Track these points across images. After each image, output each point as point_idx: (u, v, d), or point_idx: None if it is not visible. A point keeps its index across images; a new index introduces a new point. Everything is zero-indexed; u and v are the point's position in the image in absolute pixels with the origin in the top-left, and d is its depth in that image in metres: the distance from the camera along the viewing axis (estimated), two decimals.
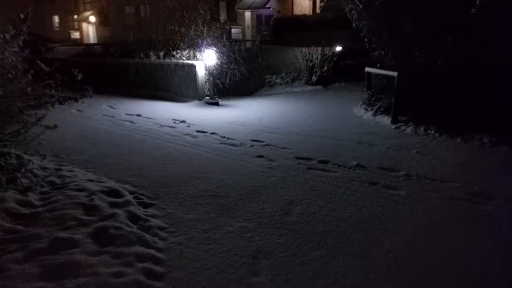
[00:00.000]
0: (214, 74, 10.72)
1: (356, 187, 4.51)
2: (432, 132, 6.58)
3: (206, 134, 6.93)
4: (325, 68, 12.99)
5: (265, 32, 25.25)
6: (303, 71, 13.48)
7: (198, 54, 9.98)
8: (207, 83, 10.72)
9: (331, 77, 12.98)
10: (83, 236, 3.25)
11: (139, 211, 3.99)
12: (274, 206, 4.09)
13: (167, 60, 10.64)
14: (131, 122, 7.81)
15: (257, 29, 28.07)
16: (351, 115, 8.38)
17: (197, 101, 9.68)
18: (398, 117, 7.26)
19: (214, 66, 10.82)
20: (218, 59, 10.82)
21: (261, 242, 3.39)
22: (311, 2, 24.52)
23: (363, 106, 8.52)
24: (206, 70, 9.63)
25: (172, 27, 12.75)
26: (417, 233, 3.50)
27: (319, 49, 13.06)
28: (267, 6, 26.95)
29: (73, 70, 5.24)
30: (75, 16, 43.97)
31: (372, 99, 8.30)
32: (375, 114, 7.92)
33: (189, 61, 9.93)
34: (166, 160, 5.56)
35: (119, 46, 13.06)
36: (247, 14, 28.73)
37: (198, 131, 7.10)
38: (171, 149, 6.08)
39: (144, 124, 7.66)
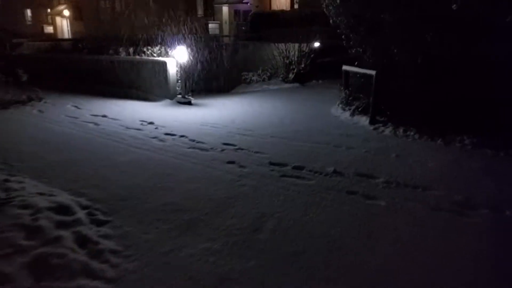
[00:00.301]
0: (187, 72, 10.25)
1: (332, 197, 4.17)
2: (412, 133, 6.30)
3: (174, 137, 6.48)
4: (302, 65, 12.67)
5: (243, 28, 24.80)
6: (280, 68, 13.13)
7: (170, 51, 9.47)
8: (179, 81, 10.25)
9: (309, 74, 12.67)
10: (17, 268, 2.80)
11: (91, 231, 3.54)
12: (243, 221, 3.70)
13: (137, 57, 10.09)
14: (95, 124, 7.29)
15: (235, 24, 27.59)
16: (329, 115, 8.06)
17: (168, 100, 9.20)
18: (377, 117, 6.97)
19: (187, 63, 10.35)
20: (192, 55, 10.35)
21: (226, 267, 3.00)
22: None
23: (340, 105, 8.22)
24: (178, 67, 9.15)
25: (147, 22, 12.24)
26: (398, 252, 3.17)
27: (296, 45, 12.73)
28: (245, 1, 26.48)
29: (17, 70, 4.65)
30: (48, 10, 42.55)
31: (350, 98, 7.99)
32: (352, 114, 7.62)
33: (159, 58, 9.43)
34: (128, 167, 5.11)
35: (88, 42, 12.40)
36: (225, 9, 28.19)
37: (166, 134, 6.65)
38: (135, 154, 5.62)
39: (109, 126, 7.16)
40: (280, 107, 8.99)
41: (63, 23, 43.02)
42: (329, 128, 7.02)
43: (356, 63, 8.03)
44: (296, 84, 12.32)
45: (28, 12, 45.20)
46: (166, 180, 4.70)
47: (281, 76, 12.92)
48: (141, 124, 7.30)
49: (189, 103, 9.03)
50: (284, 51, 12.77)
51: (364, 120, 7.23)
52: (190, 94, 10.22)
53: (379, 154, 5.56)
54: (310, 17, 17.47)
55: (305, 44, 12.71)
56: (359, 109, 7.58)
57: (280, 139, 6.37)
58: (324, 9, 8.41)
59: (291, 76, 12.70)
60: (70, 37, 36.96)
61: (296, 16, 19.12)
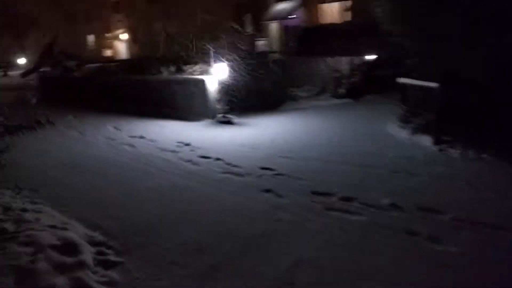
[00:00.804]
0: (230, 90, 9.77)
1: (388, 240, 3.36)
2: (486, 156, 5.29)
3: (209, 160, 5.93)
4: (354, 80, 11.80)
5: (292, 43, 24.29)
6: (330, 83, 12.34)
7: (211, 68, 9.06)
8: (221, 100, 9.79)
9: (361, 89, 11.75)
10: None
11: (94, 276, 3.00)
12: (275, 270, 3.01)
13: (177, 75, 9.78)
14: (131, 146, 6.94)
15: (284, 40, 27.17)
16: (384, 133, 7.17)
17: (208, 120, 8.73)
18: (442, 136, 6.00)
19: (231, 81, 9.89)
20: (237, 72, 9.90)
21: None
22: (339, 9, 23.36)
23: (398, 123, 7.29)
24: (218, 85, 8.69)
25: (192, 42, 12.03)
26: None
27: (347, 58, 11.94)
28: (294, 16, 26.02)
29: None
30: (108, 35, 44.79)
31: (409, 114, 7.06)
32: (412, 133, 6.68)
33: (198, 76, 9.03)
34: (154, 195, 4.60)
35: (134, 62, 12.39)
36: (273, 25, 27.89)
37: (201, 157, 6.12)
38: (164, 180, 5.11)
39: (144, 148, 6.76)
40: (329, 125, 8.21)
41: (121, 47, 45.06)
42: (385, 149, 6.15)
43: (414, 75, 7.13)
44: (348, 100, 11.45)
45: (91, 37, 47.94)
46: (192, 212, 4.11)
47: (331, 91, 12.12)
48: (177, 145, 6.84)
49: (229, 123, 8.50)
50: (334, 65, 12.01)
51: (426, 140, 6.27)
52: (233, 112, 9.72)
53: (446, 181, 4.64)
54: (361, 28, 16.60)
55: (356, 57, 11.89)
56: (420, 127, 6.63)
57: (326, 162, 5.61)
58: (376, 17, 7.60)
59: (341, 91, 11.86)
60: (127, 58, 38.33)
61: (346, 29, 18.30)
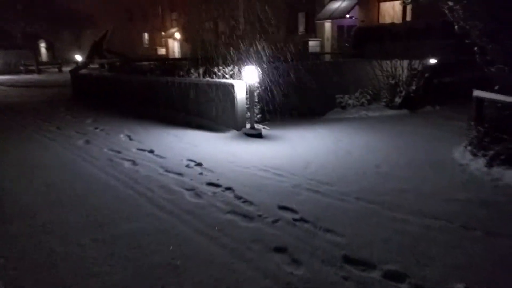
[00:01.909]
0: (265, 96, 8.48)
1: None
2: None
3: (217, 190, 4.64)
4: (413, 87, 10.06)
5: (346, 44, 22.60)
6: (384, 90, 10.66)
7: (243, 71, 7.79)
8: (252, 108, 8.52)
9: (421, 98, 10.00)
10: None
11: None
12: None
13: (203, 78, 8.60)
14: (133, 163, 5.81)
15: (337, 41, 25.41)
16: (450, 162, 5.53)
17: (234, 132, 7.45)
18: None
19: (266, 85, 8.60)
20: (276, 76, 8.62)
21: None
22: (401, 8, 21.23)
23: (469, 148, 5.62)
24: (251, 91, 7.38)
25: (235, 40, 10.89)
26: None
27: (406, 62, 10.22)
28: (350, 15, 24.17)
29: None
30: (163, 33, 45.10)
31: (485, 139, 5.36)
32: (490, 164, 5.01)
33: (226, 80, 7.77)
34: (125, 247, 3.38)
35: (170, 62, 11.46)
36: (327, 25, 26.18)
37: (209, 184, 4.85)
38: (151, 221, 3.89)
39: (147, 167, 5.60)
40: (379, 145, 6.65)
41: (174, 45, 45.21)
42: (452, 187, 4.56)
43: (495, 87, 5.44)
44: (404, 111, 9.74)
45: (146, 35, 48.65)
46: (167, 280, 2.85)
47: (385, 100, 10.44)
48: (187, 165, 5.62)
49: (258, 136, 7.16)
50: (390, 70, 10.32)
51: (511, 176, 4.61)
52: (266, 123, 8.41)
53: None
54: (424, 29, 14.71)
55: (417, 61, 10.14)
56: (502, 157, 4.95)
57: (369, 204, 4.13)
58: (448, 14, 5.95)
59: (397, 100, 10.15)
60: (179, 57, 38.20)
61: (407, 29, 16.37)
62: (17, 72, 30.23)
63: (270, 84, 8.94)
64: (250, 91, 7.28)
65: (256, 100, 8.61)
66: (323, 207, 4.08)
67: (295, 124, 8.71)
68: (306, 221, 3.76)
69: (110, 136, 7.55)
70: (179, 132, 7.74)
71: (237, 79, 7.92)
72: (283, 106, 9.10)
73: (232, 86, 7.32)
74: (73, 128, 8.23)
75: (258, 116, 8.63)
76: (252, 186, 4.71)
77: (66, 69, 27.25)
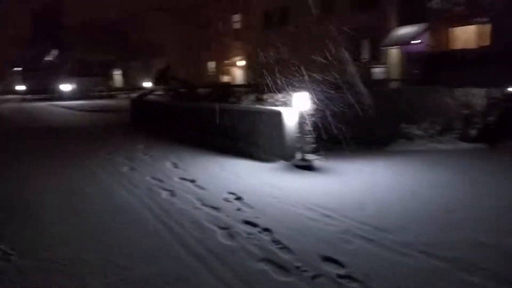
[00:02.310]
0: (318, 124, 7.86)
1: None
2: None
3: (253, 230, 4.07)
4: (492, 118, 8.89)
5: (414, 71, 21.42)
6: (457, 121, 9.56)
7: (292, 98, 7.26)
8: (307, 136, 7.92)
9: (502, 131, 8.79)
10: None
11: None
12: None
13: (251, 106, 8.19)
14: (171, 193, 5.43)
15: (404, 67, 24.18)
16: None
17: (283, 162, 6.88)
18: None
19: (320, 113, 7.99)
20: (331, 103, 8.02)
21: None
22: (475, 32, 19.72)
23: None
24: (302, 119, 6.80)
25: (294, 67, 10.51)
26: None
27: (483, 91, 9.12)
28: (418, 41, 22.96)
29: None
30: (226, 61, 46.28)
31: None
32: None
33: (273, 108, 7.27)
34: None
35: (226, 88, 11.28)
36: (393, 51, 25.06)
37: (245, 222, 4.29)
38: (173, 264, 3.41)
39: (184, 198, 5.19)
40: (451, 184, 5.72)
41: (237, 73, 46.08)
42: None
43: None
44: (480, 145, 8.59)
45: (211, 64, 50.21)
46: None
47: (457, 132, 9.33)
48: (226, 199, 5.12)
49: (308, 168, 6.52)
50: (464, 98, 9.26)
51: None
52: (319, 153, 7.74)
53: None
54: (503, 53, 13.39)
55: (495, 89, 9.02)
56: None
57: (436, 261, 3.33)
58: None
59: (472, 132, 9.02)
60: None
61: (483, 55, 15.12)
62: (91, 98, 32.24)
63: (327, 112, 8.33)
64: (300, 119, 6.71)
65: (311, 128, 8.01)
66: (377, 262, 3.34)
67: (353, 155, 7.94)
68: (353, 280, 3.06)
69: (157, 163, 7.32)
70: (226, 161, 7.31)
71: (286, 106, 7.40)
72: (341, 135, 8.42)
73: (280, 113, 6.80)
74: (122, 154, 8.15)
75: (312, 145, 8.00)
76: (294, 229, 4.08)
77: (134, 95, 28.46)
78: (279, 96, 8.10)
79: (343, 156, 7.84)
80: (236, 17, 42.72)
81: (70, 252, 3.70)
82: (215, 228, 4.17)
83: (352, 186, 5.65)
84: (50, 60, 39.76)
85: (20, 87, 39.75)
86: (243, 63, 42.62)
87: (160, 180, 6.10)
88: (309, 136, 7.93)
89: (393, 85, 19.87)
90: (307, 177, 6.15)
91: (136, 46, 39.06)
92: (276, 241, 3.79)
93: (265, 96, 8.17)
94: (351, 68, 10.49)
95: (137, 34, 41.03)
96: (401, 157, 7.72)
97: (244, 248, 3.68)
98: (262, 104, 8.35)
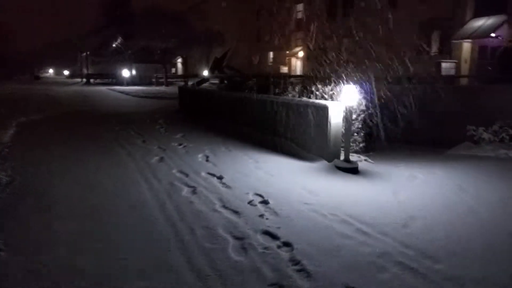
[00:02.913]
0: (369, 121, 7.08)
1: None
2: None
3: (272, 244, 3.47)
4: None
5: (489, 67, 19.46)
6: None
7: (341, 91, 6.49)
8: (359, 134, 7.15)
9: None
10: None
11: None
12: None
13: (295, 98, 7.49)
14: (193, 190, 4.95)
15: (478, 63, 22.04)
16: None
17: (324, 162, 6.15)
18: None
19: (372, 109, 7.21)
20: (391, 98, 7.25)
21: None
22: None
23: None
24: (348, 114, 6.03)
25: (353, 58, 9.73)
26: None
27: None
28: (496, 34, 20.77)
29: None
30: (286, 52, 45.48)
31: None
32: None
33: (320, 101, 6.51)
34: None
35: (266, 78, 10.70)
36: (466, 45, 22.93)
37: (265, 233, 3.71)
38: (168, 280, 2.93)
39: (204, 198, 4.69)
40: None
41: (297, 64, 45.13)
42: None
43: None
44: None
45: (271, 54, 49.62)
46: None
47: None
48: (250, 201, 4.55)
49: (352, 171, 5.75)
50: None
51: None
52: (367, 154, 6.95)
53: None
54: None
55: None
56: None
57: None
58: None
59: None
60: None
61: None
62: (149, 84, 33.01)
63: (382, 108, 7.50)
64: (347, 115, 5.94)
65: (360, 125, 7.22)
66: None
67: (408, 158, 7.05)
68: None
69: (189, 154, 6.91)
70: (261, 156, 6.73)
71: (334, 100, 6.66)
72: (397, 134, 7.54)
73: (326, 108, 6.07)
74: (158, 143, 7.84)
75: (361, 145, 7.21)
76: (320, 246, 3.42)
77: (190, 82, 28.69)
78: (328, 88, 7.36)
79: (397, 158, 6.99)
80: (299, 7, 41.71)
81: (66, 254, 3.32)
82: (228, 237, 3.62)
83: (400, 197, 4.84)
84: (115, 47, 41.22)
85: (87, 72, 41.71)
86: (302, 53, 41.63)
87: (186, 174, 5.66)
88: (357, 134, 7.16)
89: (464, 81, 18.20)
90: (348, 182, 5.40)
91: (198, 34, 39.28)
92: (294, 261, 3.17)
93: (313, 88, 7.46)
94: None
95: (200, 22, 41.33)
96: (464, 164, 6.70)
97: (255, 267, 3.09)
98: (309, 97, 7.65)
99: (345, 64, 10.11)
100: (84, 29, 47.17)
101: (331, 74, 8.37)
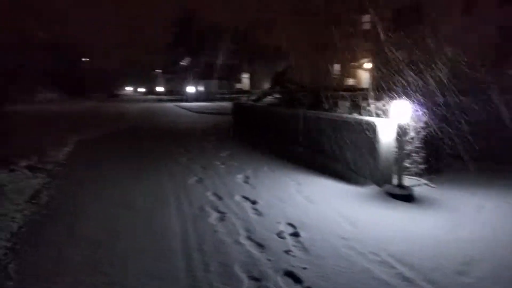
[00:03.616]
0: (427, 139, 6.27)
1: None
2: None
3: None
4: None
5: None
6: None
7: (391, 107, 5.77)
8: (416, 154, 6.36)
9: None
10: None
11: None
12: None
13: (342, 114, 6.83)
14: (221, 217, 4.54)
15: None
16: None
17: (374, 187, 5.46)
18: None
19: (432, 126, 6.39)
20: (459, 111, 6.43)
21: None
22: None
23: None
24: (400, 133, 5.32)
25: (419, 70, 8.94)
26: None
27: None
28: None
29: None
30: (353, 64, 44.24)
31: None
32: None
33: (366, 118, 5.83)
34: None
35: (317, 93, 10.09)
36: None
37: (287, 274, 3.20)
38: None
39: (230, 226, 4.27)
40: None
41: (364, 75, 43.64)
42: None
43: None
44: None
45: (336, 66, 48.48)
46: None
47: None
48: (279, 233, 4.05)
49: (405, 198, 5.01)
50: None
51: None
52: (431, 176, 6.13)
53: None
54: None
55: None
56: None
57: None
58: None
59: None
60: (367, 87, 36.44)
61: None
62: (213, 100, 33.67)
63: (451, 123, 6.64)
64: (399, 134, 5.22)
65: (420, 144, 6.42)
66: None
67: (477, 182, 6.09)
68: None
69: (229, 175, 6.56)
70: (305, 178, 6.18)
71: (383, 117, 5.96)
72: (466, 154, 6.61)
73: (374, 125, 5.41)
74: (202, 161, 7.61)
75: (422, 166, 6.39)
76: None
77: (251, 97, 28.63)
78: (381, 103, 6.65)
79: (463, 182, 6.07)
80: (366, 17, 40.52)
81: (64, 282, 3.08)
82: (244, 278, 3.17)
83: (461, 232, 4.06)
84: (184, 64, 42.86)
85: (159, 89, 43.74)
86: (369, 65, 40.19)
87: (220, 198, 5.29)
88: (417, 154, 6.37)
89: None
90: (398, 211, 4.69)
91: (263, 49, 39.58)
92: None
93: (365, 103, 6.79)
94: None
95: (264, 37, 41.71)
96: None
97: None
98: (359, 113, 6.99)
99: (413, 75, 9.27)
100: (158, 49, 49.65)
101: (394, 87, 7.65)
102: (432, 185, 5.88)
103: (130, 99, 45.45)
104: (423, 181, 6.02)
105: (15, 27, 43.74)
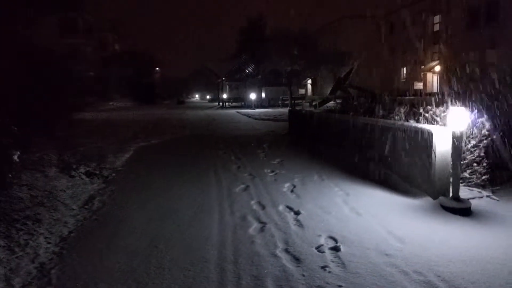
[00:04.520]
0: (490, 148, 5.73)
1: None
2: None
3: None
4: None
5: None
6: None
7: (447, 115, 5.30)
8: (477, 165, 5.86)
9: None
10: None
11: None
12: None
13: (397, 122, 6.41)
14: (262, 228, 4.43)
15: None
16: None
17: (427, 199, 5.06)
18: None
19: (494, 134, 5.85)
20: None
21: None
22: None
23: None
24: (456, 142, 4.88)
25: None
26: None
27: None
28: None
29: None
30: (422, 67, 42.15)
31: None
32: None
33: (422, 126, 5.39)
34: None
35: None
36: None
37: None
38: None
39: (269, 238, 4.15)
40: None
41: (433, 79, 41.38)
42: None
43: None
44: None
45: (404, 69, 46.53)
46: None
47: None
48: (319, 247, 3.87)
49: (462, 212, 4.57)
50: None
51: None
52: (495, 188, 5.58)
53: None
54: None
55: None
56: None
57: None
58: None
59: None
60: (437, 91, 34.59)
61: None
62: (275, 106, 33.74)
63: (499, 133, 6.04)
64: (455, 142, 4.79)
65: (482, 154, 5.88)
66: None
67: None
68: None
69: (276, 183, 6.45)
70: (354, 188, 5.89)
71: (440, 125, 5.52)
72: None
73: (429, 133, 5.02)
74: (251, 169, 7.56)
75: (484, 177, 5.84)
76: None
77: (314, 103, 28.33)
78: (440, 109, 6.19)
79: None
80: (436, 18, 38.43)
81: None
82: None
83: None
84: (247, 71, 43.54)
85: (224, 96, 44.79)
86: (439, 68, 38.02)
87: (263, 207, 5.21)
88: (478, 164, 5.85)
89: None
90: (453, 228, 4.29)
91: (325, 54, 39.03)
92: None
93: (421, 109, 6.36)
94: None
95: (327, 42, 41.16)
96: None
97: None
98: (417, 119, 6.55)
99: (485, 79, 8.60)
100: (224, 57, 50.93)
101: (459, 91, 7.12)
102: (495, 197, 5.34)
103: (195, 106, 46.96)
104: (485, 193, 5.49)
105: (95, 39, 47.25)
